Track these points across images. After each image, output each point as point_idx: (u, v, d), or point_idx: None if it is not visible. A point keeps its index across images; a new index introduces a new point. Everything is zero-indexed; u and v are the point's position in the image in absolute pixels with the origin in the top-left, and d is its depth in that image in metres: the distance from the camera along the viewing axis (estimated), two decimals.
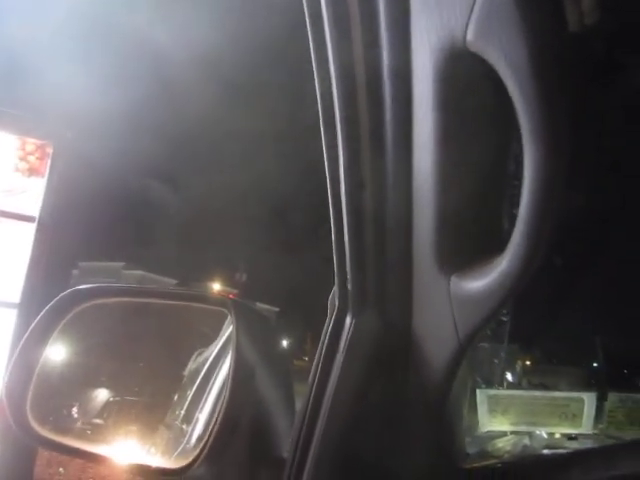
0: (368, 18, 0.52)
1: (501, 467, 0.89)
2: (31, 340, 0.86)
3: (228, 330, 1.41)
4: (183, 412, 1.34)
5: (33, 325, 0.86)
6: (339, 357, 0.70)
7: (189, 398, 1.37)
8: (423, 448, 0.73)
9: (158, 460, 0.94)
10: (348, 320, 0.69)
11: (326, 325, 0.72)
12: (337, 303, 0.70)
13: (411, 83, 0.52)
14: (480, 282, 0.55)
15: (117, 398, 1.39)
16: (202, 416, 1.24)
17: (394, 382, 0.69)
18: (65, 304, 0.89)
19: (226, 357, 1.34)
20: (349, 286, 0.67)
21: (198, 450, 0.79)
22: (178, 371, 1.46)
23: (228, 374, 0.80)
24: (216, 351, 1.42)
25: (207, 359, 1.45)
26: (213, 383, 1.32)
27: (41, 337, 0.87)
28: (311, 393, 0.72)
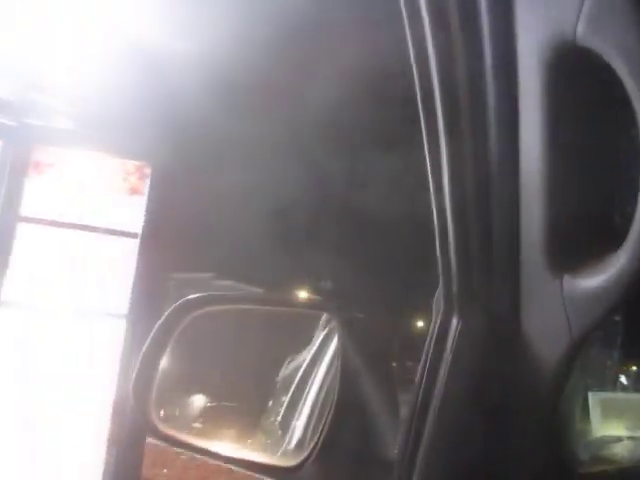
0: (470, 14, 0.53)
1: (618, 473, 0.85)
2: (153, 345, 0.93)
3: (321, 335, 1.45)
4: (280, 417, 1.38)
5: (154, 331, 0.94)
6: (446, 359, 0.70)
7: (285, 404, 1.41)
8: (534, 452, 0.72)
9: (270, 458, 0.98)
10: (454, 321, 0.70)
11: (431, 327, 0.73)
12: (442, 304, 0.71)
13: (517, 80, 0.52)
14: (596, 280, 0.54)
15: (214, 403, 1.46)
16: (300, 420, 1.28)
17: (503, 384, 0.69)
18: (181, 312, 0.96)
19: (322, 362, 1.37)
20: (454, 287, 0.68)
21: (309, 450, 0.82)
22: (272, 377, 1.51)
23: (335, 377, 0.83)
24: (310, 357, 1.46)
25: (300, 365, 1.49)
26: (309, 388, 1.35)
27: (161, 342, 0.94)
28: (418, 395, 0.73)
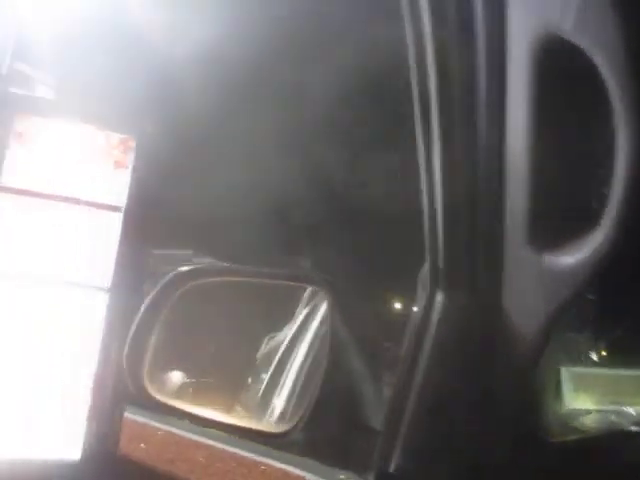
0: (466, 12, 0.56)
1: (587, 442, 0.91)
2: (146, 315, 0.96)
3: (304, 312, 1.48)
4: (260, 393, 1.42)
5: (147, 301, 0.96)
6: (430, 333, 0.74)
7: (266, 380, 1.44)
8: (510, 421, 0.77)
9: (259, 425, 1.02)
10: (439, 297, 0.73)
11: (417, 302, 0.76)
12: (429, 280, 0.74)
13: (505, 70, 0.55)
14: (572, 257, 0.58)
15: (192, 380, 1.48)
16: (281, 395, 1.32)
17: (484, 357, 0.73)
18: (174, 283, 0.98)
19: (304, 338, 1.41)
20: (440, 264, 0.71)
21: (297, 417, 0.86)
22: (251, 354, 1.54)
23: (323, 347, 0.86)
24: (292, 334, 1.49)
25: (281, 343, 1.52)
26: (291, 364, 1.39)
27: (154, 312, 0.96)
28: (403, 368, 0.77)
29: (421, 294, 0.76)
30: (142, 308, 0.94)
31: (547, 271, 0.60)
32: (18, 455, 3.27)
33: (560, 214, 0.59)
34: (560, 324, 0.69)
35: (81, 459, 3.43)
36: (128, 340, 0.94)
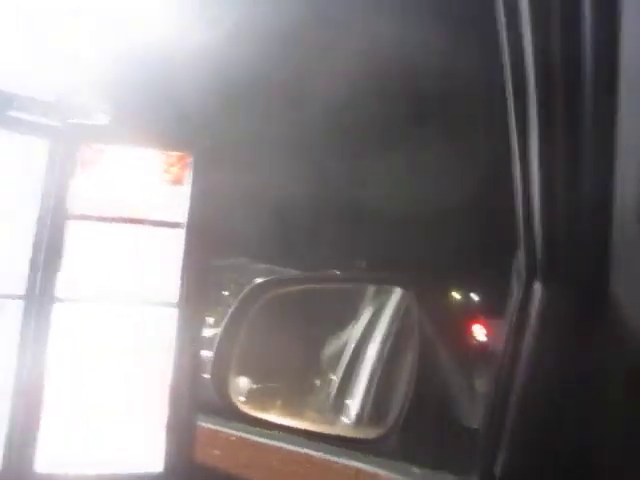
0: (573, 17, 0.51)
1: None
2: (228, 330, 0.96)
3: (368, 311, 1.45)
4: (332, 395, 1.39)
5: (228, 316, 0.96)
6: (530, 329, 0.70)
7: (337, 381, 1.42)
8: (622, 420, 0.71)
9: (349, 432, 1.00)
10: (538, 288, 0.69)
11: (513, 296, 0.73)
12: (525, 273, 0.70)
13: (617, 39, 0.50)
14: None
15: (259, 385, 1.48)
16: (355, 395, 1.29)
17: (590, 351, 0.68)
18: (253, 295, 0.98)
19: (374, 338, 1.38)
20: (538, 255, 0.67)
21: (392, 422, 0.83)
22: (316, 356, 1.52)
23: (403, 348, 0.84)
24: (359, 334, 1.46)
25: (346, 343, 1.50)
26: (363, 364, 1.36)
27: (236, 326, 0.96)
28: (503, 364, 0.73)
29: (517, 285, 0.72)
30: (224, 322, 0.95)
31: None
32: (107, 471, 3.40)
33: None
34: None
35: (165, 471, 3.53)
36: (213, 355, 0.94)
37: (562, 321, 0.67)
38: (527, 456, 0.72)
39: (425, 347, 0.84)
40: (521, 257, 0.70)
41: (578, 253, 0.64)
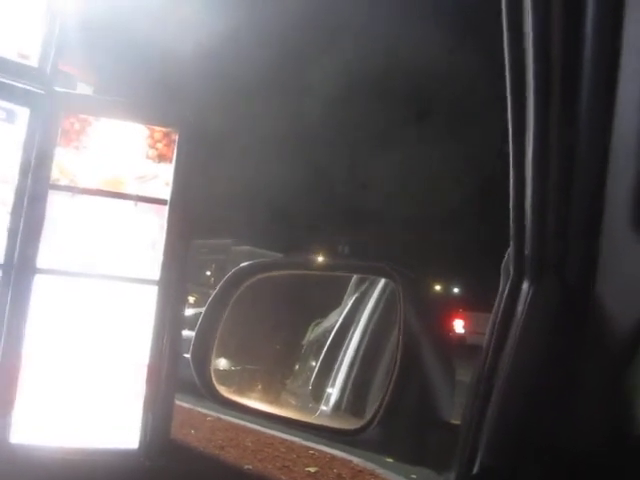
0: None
1: None
2: (210, 313, 0.95)
3: (352, 299, 1.45)
4: (311, 381, 1.39)
5: (210, 300, 0.95)
6: (516, 325, 0.70)
7: (316, 368, 1.42)
8: (602, 417, 0.72)
9: (330, 422, 1.00)
10: (525, 286, 0.69)
11: (500, 291, 0.72)
12: (512, 269, 0.70)
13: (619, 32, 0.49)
14: None
15: (238, 367, 1.47)
16: (335, 383, 1.29)
17: (574, 349, 0.68)
18: (236, 279, 0.96)
19: (356, 326, 1.38)
20: (527, 251, 0.67)
21: (372, 414, 0.83)
22: (297, 341, 1.51)
23: (397, 341, 0.83)
24: (341, 321, 1.46)
25: (329, 330, 1.50)
26: (344, 353, 1.36)
27: (218, 310, 0.95)
28: (486, 360, 0.73)
29: (505, 282, 0.71)
30: (207, 303, 0.93)
31: None
32: (81, 444, 3.39)
33: None
34: None
35: (139, 447, 3.53)
36: (194, 336, 0.93)
37: (547, 319, 0.67)
38: (507, 453, 0.72)
39: (408, 339, 0.83)
40: (511, 255, 0.70)
41: (567, 253, 0.64)
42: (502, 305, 0.71)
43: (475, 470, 0.71)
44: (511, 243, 0.69)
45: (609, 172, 0.56)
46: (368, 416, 0.84)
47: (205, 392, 0.95)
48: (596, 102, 0.53)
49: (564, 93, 0.54)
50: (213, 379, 0.95)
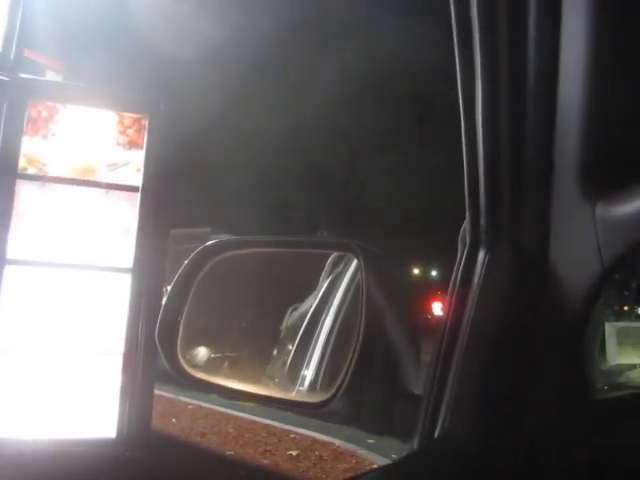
0: None
1: (632, 398, 0.88)
2: (175, 292, 0.94)
3: (327, 282, 1.46)
4: (288, 364, 1.41)
5: (176, 278, 0.95)
6: (473, 292, 0.71)
7: (292, 351, 1.43)
8: (557, 379, 0.74)
9: (298, 396, 1.01)
10: (481, 255, 0.70)
11: (457, 261, 0.73)
12: (468, 239, 0.71)
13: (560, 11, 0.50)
14: (630, 207, 0.54)
15: (218, 355, 1.48)
16: (310, 365, 1.31)
17: (530, 313, 0.70)
18: (203, 257, 0.96)
19: (330, 308, 1.39)
20: (482, 221, 0.68)
21: (336, 386, 0.84)
22: (275, 327, 1.52)
23: (360, 314, 0.84)
24: (316, 304, 1.48)
25: (306, 313, 1.51)
26: (319, 334, 1.37)
27: (184, 288, 0.95)
28: (445, 329, 0.74)
29: (461, 253, 0.73)
30: (172, 283, 0.93)
31: (601, 223, 0.57)
32: (57, 435, 3.36)
33: (617, 160, 0.55)
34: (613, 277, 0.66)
35: (116, 437, 3.51)
36: (159, 318, 0.93)
37: (502, 287, 0.69)
38: (466, 418, 0.74)
39: (370, 313, 0.84)
40: (467, 225, 0.71)
41: (520, 222, 0.66)
42: (459, 275, 0.72)
43: (436, 434, 0.73)
44: (467, 214, 0.71)
45: (557, 142, 0.58)
46: (333, 389, 0.85)
47: (173, 372, 0.95)
48: (542, 75, 0.54)
49: (512, 64, 0.54)
50: (181, 359, 0.95)
